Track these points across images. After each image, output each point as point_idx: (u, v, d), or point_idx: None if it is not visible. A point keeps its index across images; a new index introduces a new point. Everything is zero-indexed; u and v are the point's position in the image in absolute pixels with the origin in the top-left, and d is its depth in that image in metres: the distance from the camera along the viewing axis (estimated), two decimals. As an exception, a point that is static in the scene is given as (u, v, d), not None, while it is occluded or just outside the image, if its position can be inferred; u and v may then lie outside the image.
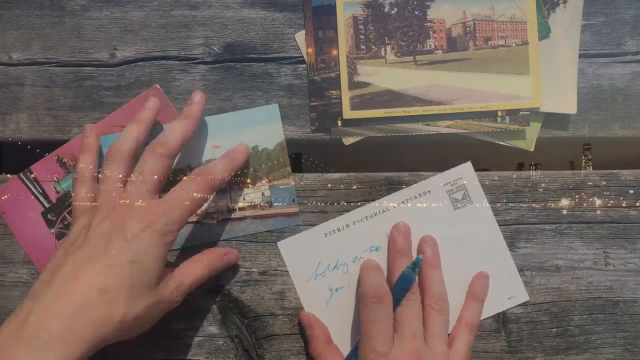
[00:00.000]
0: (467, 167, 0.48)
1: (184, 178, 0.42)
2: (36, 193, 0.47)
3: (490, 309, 0.46)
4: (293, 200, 0.48)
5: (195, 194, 0.41)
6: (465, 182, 0.47)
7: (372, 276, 0.44)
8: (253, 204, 0.48)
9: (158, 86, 0.48)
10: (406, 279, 0.43)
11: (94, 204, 0.42)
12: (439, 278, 0.45)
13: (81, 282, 0.37)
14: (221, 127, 0.48)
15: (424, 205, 0.47)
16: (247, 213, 0.48)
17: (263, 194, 0.48)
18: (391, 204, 0.47)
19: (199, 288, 0.47)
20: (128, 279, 0.38)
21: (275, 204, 0.48)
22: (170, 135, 0.43)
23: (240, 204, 0.48)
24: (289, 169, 0.48)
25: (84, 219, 0.41)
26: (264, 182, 0.48)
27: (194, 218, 0.47)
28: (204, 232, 0.47)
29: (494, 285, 0.46)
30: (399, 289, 0.43)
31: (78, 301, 0.36)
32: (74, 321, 0.35)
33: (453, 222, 0.47)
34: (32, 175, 0.47)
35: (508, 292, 0.47)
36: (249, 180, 0.48)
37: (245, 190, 0.48)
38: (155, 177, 0.41)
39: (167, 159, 0.42)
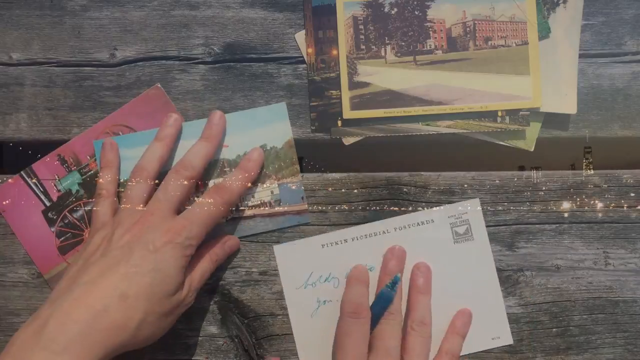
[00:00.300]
0: (474, 203, 0.47)
1: (204, 195, 0.44)
2: (37, 191, 0.47)
3: (472, 346, 0.46)
4: (302, 198, 0.48)
5: (214, 211, 0.43)
6: (469, 217, 0.47)
7: (356, 289, 0.44)
8: (262, 202, 0.48)
9: (159, 85, 0.48)
10: (385, 297, 0.43)
11: (114, 217, 0.43)
12: (426, 305, 0.45)
13: (102, 288, 0.38)
14: (230, 126, 0.48)
15: (425, 232, 0.47)
16: (257, 212, 0.48)
17: (272, 192, 0.48)
18: (393, 227, 0.47)
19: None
20: (149, 286, 0.39)
21: (284, 202, 0.48)
22: (195, 158, 0.44)
23: (250, 203, 0.48)
24: (298, 167, 0.48)
25: (103, 232, 0.42)
26: (272, 180, 0.48)
27: None
28: (213, 231, 0.47)
29: (480, 324, 0.46)
30: (378, 307, 0.43)
31: (98, 306, 0.37)
32: (93, 326, 0.36)
33: (451, 255, 0.47)
34: (33, 174, 0.47)
35: (493, 332, 0.46)
36: (257, 179, 0.48)
37: (254, 189, 0.48)
38: (178, 198, 0.43)
39: (191, 181, 0.44)
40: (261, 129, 0.48)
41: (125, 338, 0.37)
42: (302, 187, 0.48)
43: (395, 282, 0.43)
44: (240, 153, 0.47)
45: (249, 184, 0.46)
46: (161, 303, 0.39)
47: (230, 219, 0.47)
